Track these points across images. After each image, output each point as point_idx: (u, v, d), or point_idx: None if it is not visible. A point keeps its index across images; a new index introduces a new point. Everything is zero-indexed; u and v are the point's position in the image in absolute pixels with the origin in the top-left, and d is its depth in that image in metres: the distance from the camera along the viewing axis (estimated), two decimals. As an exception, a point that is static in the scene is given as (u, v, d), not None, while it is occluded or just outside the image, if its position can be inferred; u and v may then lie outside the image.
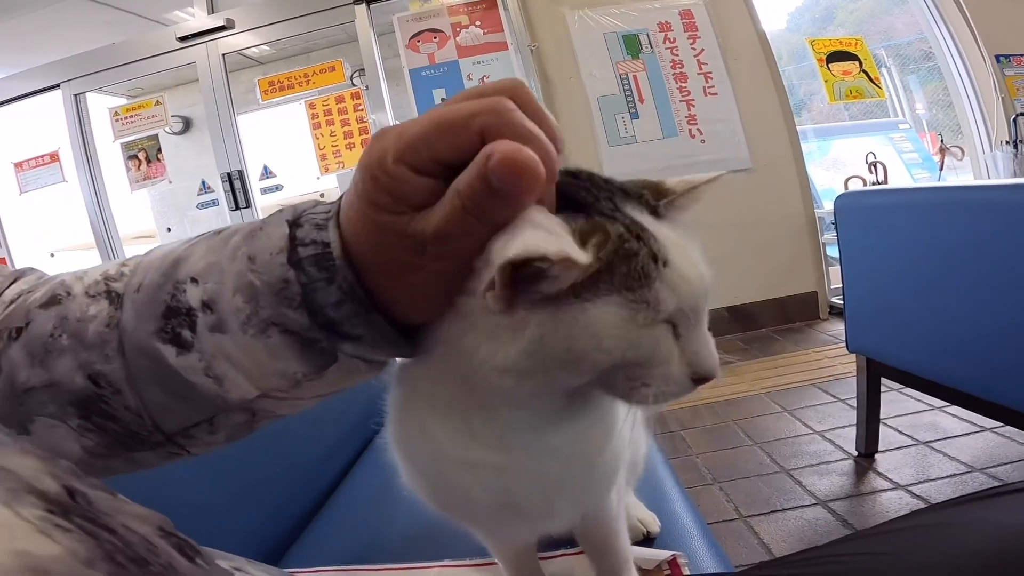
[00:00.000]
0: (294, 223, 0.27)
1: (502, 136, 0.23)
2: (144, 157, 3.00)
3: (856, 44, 2.89)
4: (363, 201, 0.25)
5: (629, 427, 0.36)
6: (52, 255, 3.83)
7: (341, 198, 0.27)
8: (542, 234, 0.23)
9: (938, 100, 3.98)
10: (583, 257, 0.23)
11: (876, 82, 2.86)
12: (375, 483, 0.80)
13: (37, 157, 3.14)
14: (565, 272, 0.23)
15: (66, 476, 0.23)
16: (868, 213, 1.34)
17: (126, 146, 3.01)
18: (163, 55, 3.00)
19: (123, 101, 3.24)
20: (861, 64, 2.86)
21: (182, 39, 2.95)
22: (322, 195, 4.53)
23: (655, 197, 0.30)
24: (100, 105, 3.15)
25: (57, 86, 3.06)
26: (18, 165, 3.15)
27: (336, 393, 0.31)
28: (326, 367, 0.28)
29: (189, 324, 0.27)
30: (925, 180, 3.50)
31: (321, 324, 0.26)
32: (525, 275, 0.23)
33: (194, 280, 0.27)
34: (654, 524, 0.60)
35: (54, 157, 3.12)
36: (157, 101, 2.98)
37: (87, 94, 3.10)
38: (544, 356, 0.25)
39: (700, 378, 0.28)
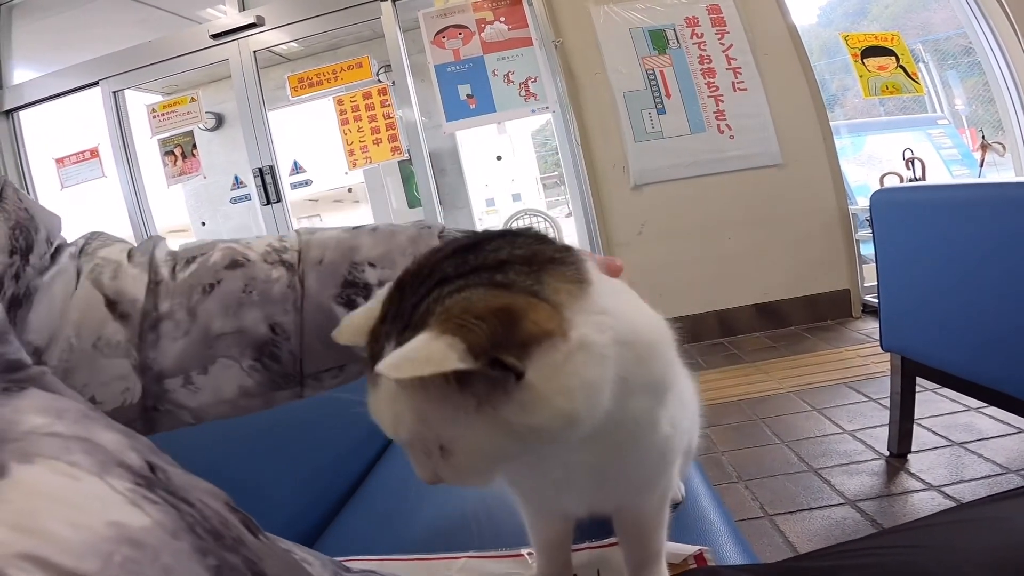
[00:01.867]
0: (441, 238, 0.38)
1: None
2: (180, 153, 3.08)
3: (892, 39, 2.80)
4: None
5: (685, 422, 0.37)
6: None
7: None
8: None
9: (978, 95, 3.86)
10: None
11: (914, 77, 2.78)
12: (404, 473, 0.81)
13: (78, 153, 3.24)
14: None
15: (146, 451, 0.25)
16: (905, 210, 1.30)
17: (163, 142, 3.09)
18: (197, 52, 3.07)
19: (159, 98, 3.33)
20: (898, 59, 2.78)
21: (215, 36, 3.02)
22: (349, 190, 4.60)
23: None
24: (137, 102, 3.24)
25: (96, 83, 3.15)
26: (59, 161, 3.25)
27: None
28: None
29: (364, 294, 0.37)
30: (965, 177, 3.39)
31: None
32: None
33: (371, 264, 0.38)
34: (677, 493, 0.60)
35: (94, 153, 3.21)
36: (192, 98, 3.05)
37: (125, 91, 3.20)
38: None
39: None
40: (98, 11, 3.41)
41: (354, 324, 0.30)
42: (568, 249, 0.29)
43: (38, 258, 0.35)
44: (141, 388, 0.36)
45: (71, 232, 0.43)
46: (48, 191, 3.30)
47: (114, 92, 3.15)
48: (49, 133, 3.39)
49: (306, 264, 0.38)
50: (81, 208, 3.38)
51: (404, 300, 0.28)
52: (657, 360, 0.30)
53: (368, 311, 0.30)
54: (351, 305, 0.37)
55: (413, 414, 0.26)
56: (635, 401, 0.29)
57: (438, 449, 0.27)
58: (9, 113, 3.30)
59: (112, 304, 0.36)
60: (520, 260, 0.27)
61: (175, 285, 0.37)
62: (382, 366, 0.23)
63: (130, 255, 0.39)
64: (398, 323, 0.27)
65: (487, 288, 0.25)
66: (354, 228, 0.40)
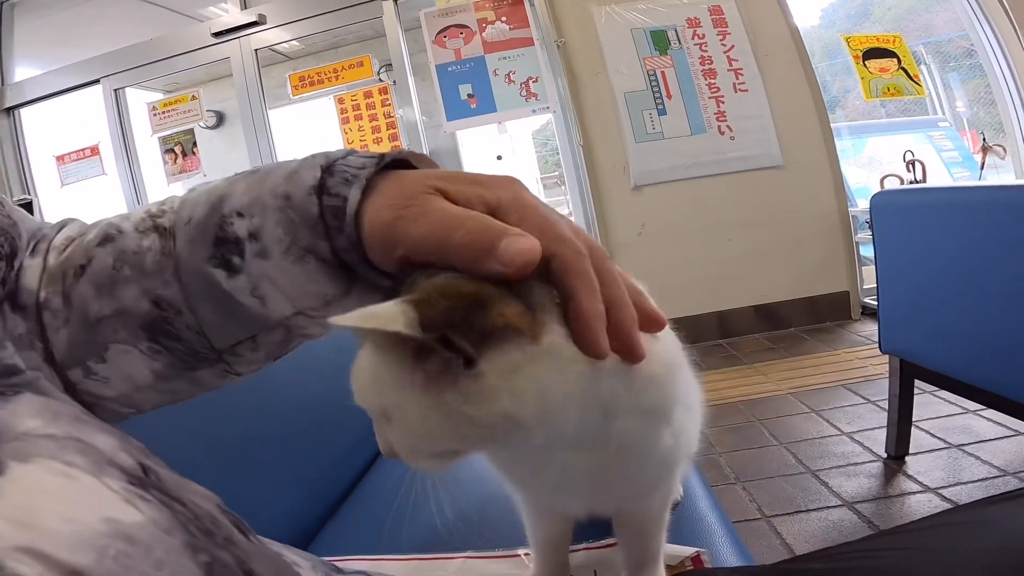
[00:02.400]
0: (327, 169, 0.30)
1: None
2: (180, 151, 3.08)
3: (894, 41, 2.80)
4: (396, 204, 0.28)
5: (690, 429, 0.37)
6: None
7: (382, 161, 0.30)
8: None
9: (980, 98, 3.86)
10: None
11: (916, 79, 2.78)
12: (400, 474, 0.81)
13: (78, 150, 3.24)
14: None
15: (138, 453, 0.25)
16: (905, 212, 1.30)
17: (163, 140, 3.09)
18: (198, 51, 3.08)
19: (160, 96, 3.33)
20: (900, 61, 2.78)
21: (216, 35, 3.02)
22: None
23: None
24: (138, 100, 3.24)
25: (97, 81, 3.16)
26: (60, 158, 3.25)
27: None
28: (351, 288, 0.32)
29: (238, 252, 0.31)
30: (965, 179, 3.39)
31: (339, 257, 0.30)
32: None
33: (240, 214, 0.31)
34: (676, 494, 0.61)
35: (95, 151, 3.21)
36: (193, 96, 3.06)
37: (126, 89, 3.20)
38: None
39: None
40: (100, 8, 3.41)
41: None
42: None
43: (20, 262, 0.35)
44: (61, 382, 0.34)
45: None
46: (48, 188, 3.30)
47: (115, 90, 3.15)
48: (50, 130, 3.39)
49: (177, 226, 0.33)
50: (80, 206, 3.39)
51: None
52: (656, 390, 0.30)
53: None
54: (227, 266, 0.31)
55: (371, 378, 0.27)
56: (625, 421, 0.29)
57: (385, 419, 0.28)
58: (10, 110, 3.31)
59: (12, 296, 0.34)
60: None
61: (52, 270, 0.34)
62: (337, 317, 0.24)
63: (35, 244, 0.37)
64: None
65: (469, 278, 0.25)
66: (238, 174, 0.34)
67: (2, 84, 3.32)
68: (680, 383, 0.33)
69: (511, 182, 0.29)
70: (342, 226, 0.29)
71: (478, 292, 0.24)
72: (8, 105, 3.28)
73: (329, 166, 0.30)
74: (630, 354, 0.26)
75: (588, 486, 0.33)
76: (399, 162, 0.32)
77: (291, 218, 0.30)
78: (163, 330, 0.32)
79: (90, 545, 0.19)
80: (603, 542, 0.52)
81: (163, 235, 0.33)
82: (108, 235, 0.34)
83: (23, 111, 3.34)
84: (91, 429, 0.24)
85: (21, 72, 3.39)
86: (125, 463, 0.23)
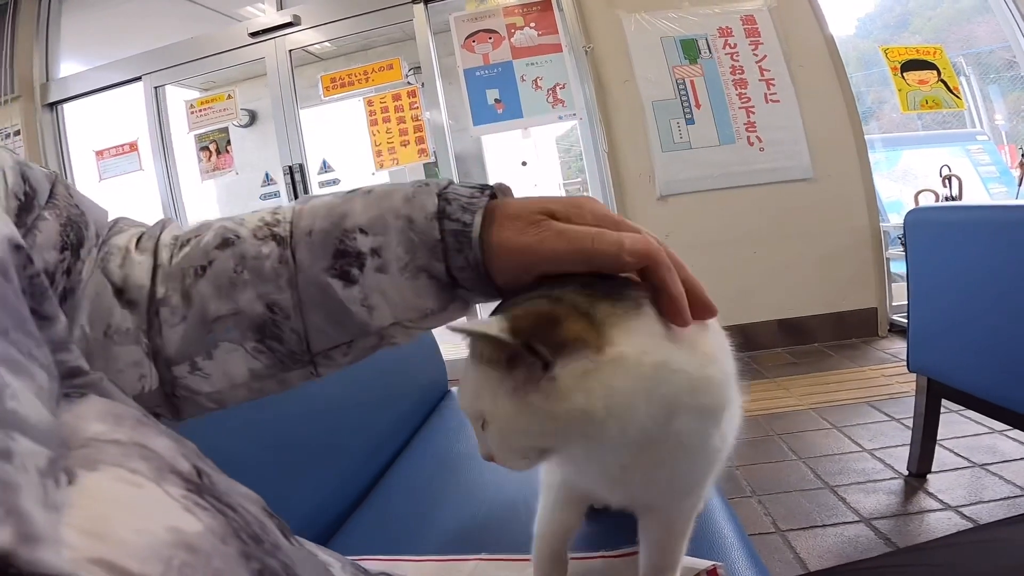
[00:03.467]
0: (441, 196, 0.35)
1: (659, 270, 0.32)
2: (215, 148, 3.15)
3: (935, 53, 2.74)
4: (517, 229, 0.34)
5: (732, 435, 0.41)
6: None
7: (489, 190, 0.35)
8: None
9: (1020, 111, 3.75)
10: None
11: (955, 92, 2.71)
12: (419, 476, 0.82)
13: (118, 146, 3.32)
14: None
15: (193, 456, 0.26)
16: (940, 230, 1.28)
17: (198, 138, 3.16)
18: (235, 50, 3.14)
19: (197, 94, 3.41)
20: (939, 73, 2.71)
21: (253, 34, 3.09)
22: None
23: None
24: (176, 97, 3.32)
25: (139, 78, 3.24)
26: (99, 153, 3.35)
27: (436, 327, 0.39)
28: (449, 305, 0.36)
29: (358, 264, 0.35)
30: (1002, 195, 3.30)
31: (451, 276, 0.35)
32: None
33: (363, 231, 0.35)
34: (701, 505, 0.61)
35: (133, 147, 3.29)
36: (229, 95, 3.12)
37: (166, 87, 3.28)
38: None
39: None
40: (146, 5, 3.50)
41: None
42: (627, 284, 0.34)
43: (87, 252, 0.36)
44: (157, 375, 0.36)
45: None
46: (87, 182, 3.40)
47: (155, 87, 3.24)
48: (91, 126, 3.49)
49: (296, 237, 0.36)
50: (117, 200, 3.48)
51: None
52: (713, 392, 0.33)
53: None
54: (345, 277, 0.34)
55: (472, 388, 0.33)
56: (683, 421, 0.33)
57: (481, 424, 0.33)
58: (53, 105, 3.41)
59: (119, 291, 0.36)
60: (584, 288, 0.33)
61: (170, 269, 0.36)
62: (452, 323, 0.33)
63: (139, 240, 0.39)
64: None
65: (548, 301, 0.32)
66: (348, 192, 0.38)
67: (47, 79, 3.42)
68: (732, 389, 0.37)
69: (592, 201, 0.35)
70: (462, 248, 0.34)
71: (551, 311, 0.30)
72: (52, 100, 3.39)
73: (441, 193, 0.35)
74: (709, 313, 0.33)
75: (641, 479, 0.37)
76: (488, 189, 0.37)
77: (412, 239, 0.34)
78: (271, 332, 0.35)
79: (157, 556, 0.19)
80: (620, 551, 0.53)
81: (280, 244, 0.36)
82: (227, 239, 0.36)
83: (66, 106, 3.44)
84: (152, 433, 0.25)
85: (66, 68, 3.49)
86: (183, 468, 0.24)
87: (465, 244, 0.34)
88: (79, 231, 0.36)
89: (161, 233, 0.39)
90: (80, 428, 0.23)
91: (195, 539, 0.21)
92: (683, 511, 0.44)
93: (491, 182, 0.37)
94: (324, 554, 0.35)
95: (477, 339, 0.32)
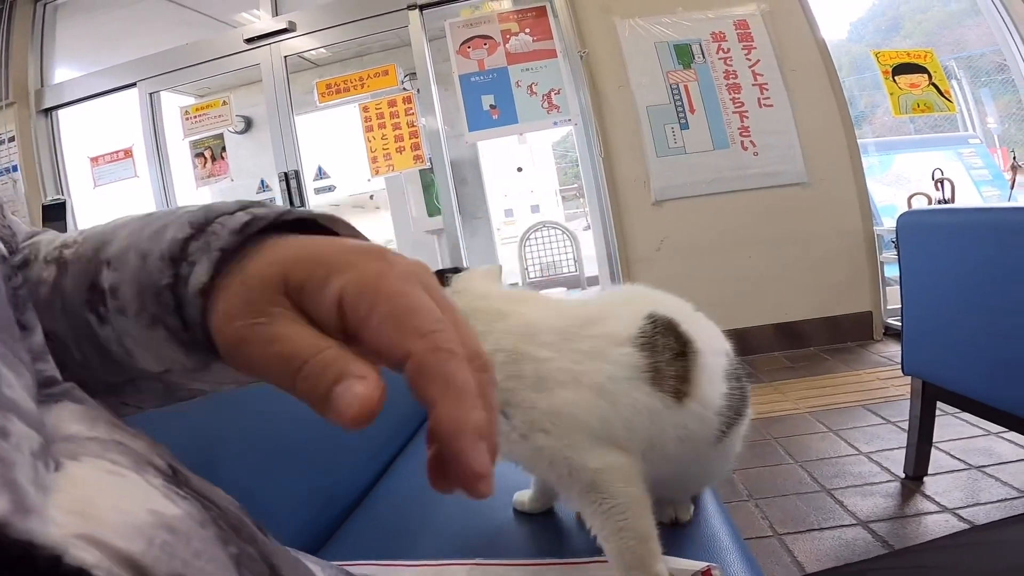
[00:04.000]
0: (199, 228, 0.26)
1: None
2: (210, 155, 3.14)
3: (926, 56, 2.76)
4: (244, 307, 0.24)
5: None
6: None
7: (245, 227, 0.26)
8: None
9: (1011, 114, 3.78)
10: None
11: (947, 96, 2.73)
12: (413, 482, 0.81)
13: (112, 152, 3.31)
14: None
15: (168, 457, 0.26)
16: (932, 232, 1.29)
17: (193, 144, 3.16)
18: (231, 56, 3.14)
19: (192, 100, 3.41)
20: (931, 77, 2.73)
21: (248, 41, 3.09)
22: (371, 196, 4.63)
23: None
24: (171, 104, 3.32)
25: (134, 84, 3.24)
26: (94, 159, 3.33)
27: (246, 384, 0.33)
28: (210, 364, 0.28)
29: (103, 302, 0.28)
30: (995, 198, 3.32)
31: (193, 332, 0.26)
32: None
33: (108, 263, 0.29)
34: (686, 512, 0.62)
35: (128, 153, 3.29)
36: (224, 101, 3.12)
37: (161, 93, 3.28)
38: None
39: None
40: (139, 12, 3.49)
41: None
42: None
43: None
44: None
45: None
46: (81, 189, 3.39)
47: (150, 93, 3.23)
48: (85, 132, 3.48)
49: (71, 262, 0.31)
50: (112, 207, 3.47)
51: None
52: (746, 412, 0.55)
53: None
54: (98, 314, 0.28)
55: None
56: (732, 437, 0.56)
57: None
58: (48, 111, 3.40)
59: None
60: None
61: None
62: None
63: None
64: None
65: None
66: (143, 216, 0.31)
67: (41, 85, 3.42)
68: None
69: (370, 257, 0.24)
70: (181, 303, 0.26)
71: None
72: (47, 106, 3.38)
73: (203, 225, 0.26)
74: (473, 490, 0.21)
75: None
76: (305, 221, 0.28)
77: (141, 281, 0.27)
78: (58, 360, 0.29)
79: (140, 534, 0.20)
80: (592, 559, 0.53)
81: (61, 268, 0.31)
82: (27, 259, 0.33)
83: (60, 112, 3.43)
84: (126, 434, 0.26)
85: (61, 74, 3.49)
86: (159, 464, 0.25)
87: (184, 297, 0.25)
88: (11, 248, 0.34)
89: (28, 241, 0.36)
90: (60, 427, 0.23)
91: (175, 521, 0.21)
92: (574, 496, 0.51)
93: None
94: (308, 561, 0.35)
95: None
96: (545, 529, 0.63)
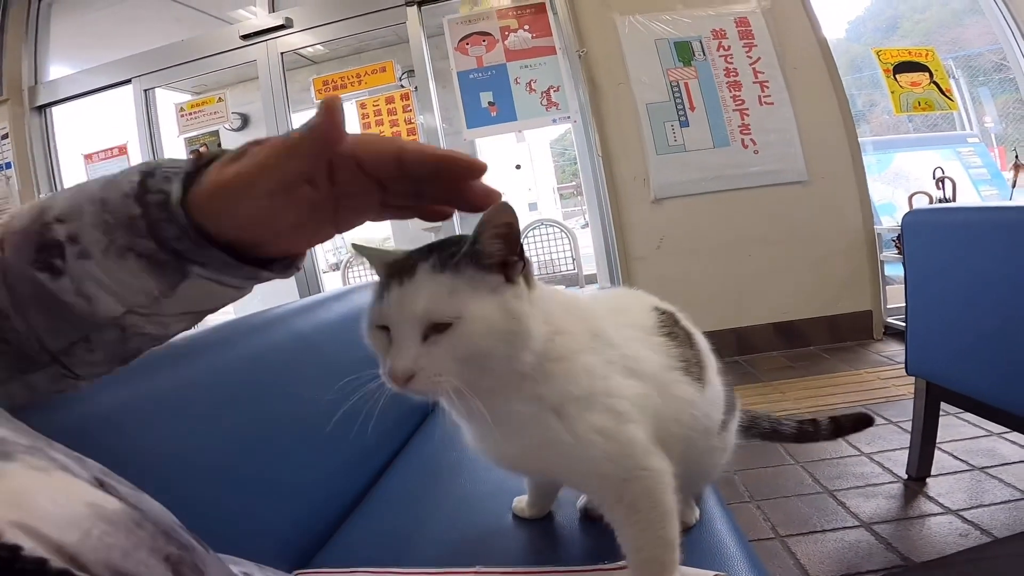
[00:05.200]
0: (148, 173, 0.34)
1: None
2: (205, 152, 3.12)
3: (927, 55, 2.76)
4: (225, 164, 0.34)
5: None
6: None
7: (202, 162, 0.35)
8: (378, 246, 0.46)
9: (1010, 113, 3.78)
10: (376, 255, 0.46)
11: (948, 94, 2.72)
12: (409, 486, 0.80)
13: (107, 149, 3.30)
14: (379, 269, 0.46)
15: (95, 471, 0.27)
16: (938, 232, 1.28)
17: (189, 141, 3.14)
18: (227, 53, 3.12)
19: (188, 97, 3.39)
20: (932, 75, 2.73)
21: (245, 37, 3.07)
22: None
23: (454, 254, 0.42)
24: (166, 100, 3.30)
25: (129, 81, 3.22)
26: (88, 157, 3.32)
27: (204, 314, 0.39)
28: (178, 284, 0.35)
29: (60, 254, 0.33)
30: (993, 197, 3.32)
31: (169, 250, 0.33)
32: None
33: (60, 220, 0.34)
34: (692, 515, 0.62)
35: (123, 150, 3.27)
36: (220, 98, 3.10)
37: (156, 89, 3.26)
38: None
39: (389, 374, 0.40)
40: (134, 8, 3.47)
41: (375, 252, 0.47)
42: None
43: None
44: None
45: None
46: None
47: (145, 90, 3.21)
48: (79, 129, 3.47)
49: (6, 235, 0.35)
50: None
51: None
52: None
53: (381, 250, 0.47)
54: (50, 269, 0.33)
55: (426, 291, 0.40)
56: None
57: (423, 333, 0.40)
58: (42, 108, 3.38)
59: None
60: None
61: None
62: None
63: None
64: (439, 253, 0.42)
65: None
66: (76, 185, 0.37)
67: (36, 82, 3.40)
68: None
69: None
70: (171, 217, 0.33)
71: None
72: (41, 103, 3.36)
73: (151, 170, 0.34)
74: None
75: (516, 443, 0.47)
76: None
77: (107, 220, 0.33)
78: None
79: (76, 525, 0.21)
80: (617, 564, 0.51)
81: None
82: None
83: (54, 109, 3.41)
84: (50, 447, 0.27)
85: (56, 71, 3.47)
86: (82, 475, 0.26)
87: (170, 213, 0.33)
88: None
89: None
90: None
91: (113, 515, 0.23)
92: (619, 503, 0.46)
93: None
94: (255, 570, 0.37)
95: (478, 240, 0.40)
96: (545, 534, 0.62)
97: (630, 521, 0.47)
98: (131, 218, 0.33)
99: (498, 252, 0.41)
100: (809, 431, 0.80)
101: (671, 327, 0.54)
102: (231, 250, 0.34)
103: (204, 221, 0.33)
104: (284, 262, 0.38)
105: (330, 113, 0.32)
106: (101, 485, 0.26)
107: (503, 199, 0.38)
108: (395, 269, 0.42)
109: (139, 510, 0.25)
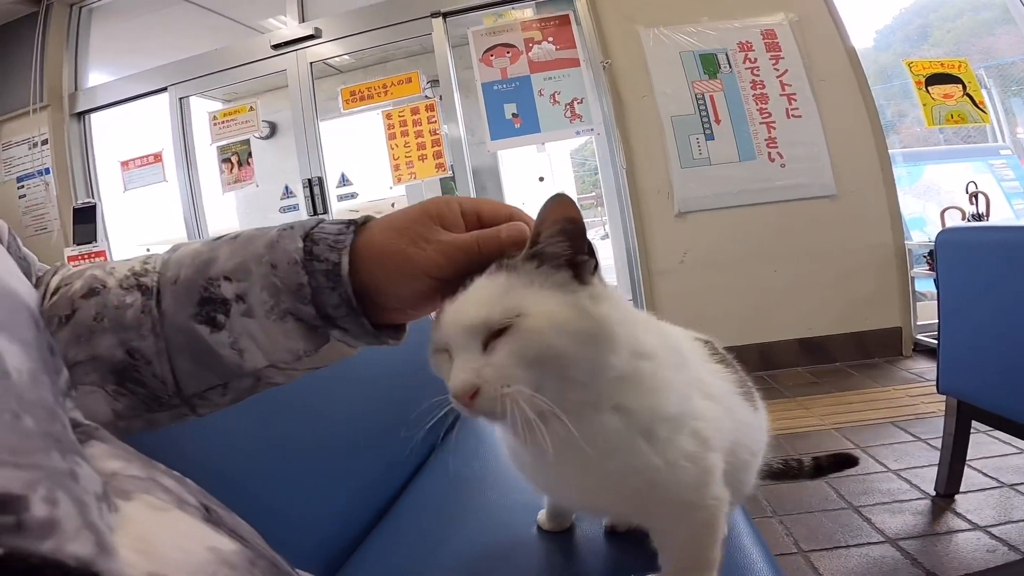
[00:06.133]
0: (307, 238, 0.37)
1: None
2: (236, 160, 3.19)
3: (960, 66, 2.70)
4: (404, 237, 0.36)
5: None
6: (148, 249, 4.09)
7: (354, 225, 0.37)
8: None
9: (1043, 125, 3.69)
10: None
11: (981, 107, 2.66)
12: (434, 499, 0.80)
13: (143, 157, 3.37)
14: None
15: (198, 495, 0.28)
16: (972, 250, 1.26)
17: (220, 149, 3.20)
18: (258, 62, 3.19)
19: (219, 105, 3.46)
20: (965, 87, 2.67)
21: (275, 47, 3.14)
22: (392, 204, 4.66)
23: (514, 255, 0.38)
24: (199, 109, 3.37)
25: (165, 89, 3.30)
26: (124, 164, 3.40)
27: (321, 368, 0.41)
28: (322, 346, 0.38)
29: (224, 310, 0.36)
30: (1027, 212, 3.24)
31: (322, 315, 0.36)
32: None
33: (227, 278, 0.36)
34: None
35: (158, 158, 3.34)
36: (251, 107, 3.16)
37: (190, 98, 3.34)
38: None
39: (453, 395, 0.36)
40: (171, 16, 3.54)
41: None
42: None
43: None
44: None
45: (129, 235, 0.44)
46: (111, 193, 3.45)
47: (180, 98, 3.29)
48: (116, 136, 3.54)
49: (163, 285, 0.37)
50: (141, 211, 3.52)
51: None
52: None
53: None
54: (212, 323, 0.36)
55: (485, 294, 0.36)
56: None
57: (484, 343, 0.36)
58: (81, 115, 3.48)
59: None
60: None
61: (45, 314, 0.37)
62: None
63: (37, 284, 0.40)
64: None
65: None
66: (216, 239, 0.39)
67: (75, 89, 3.49)
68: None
69: (448, 197, 0.39)
70: (336, 286, 0.35)
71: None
72: (80, 110, 3.46)
73: (307, 235, 0.37)
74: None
75: (584, 477, 0.44)
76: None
77: (275, 284, 0.35)
78: (132, 376, 0.36)
79: (203, 571, 0.21)
80: None
81: (145, 293, 0.37)
82: (93, 288, 0.38)
83: (93, 116, 3.50)
84: (159, 472, 0.27)
85: (94, 78, 3.56)
86: (191, 502, 0.26)
87: (337, 282, 0.35)
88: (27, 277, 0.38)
89: (52, 278, 0.41)
90: (99, 466, 0.24)
91: (231, 557, 0.23)
92: (678, 529, 0.44)
93: (429, 197, 0.41)
94: None
95: (537, 241, 0.36)
96: (569, 548, 0.62)
97: (681, 544, 0.46)
98: (299, 285, 0.35)
99: (564, 252, 0.37)
100: (793, 468, 0.78)
101: (719, 354, 0.54)
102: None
103: (360, 290, 0.36)
104: (395, 328, 0.41)
105: (519, 243, 0.37)
106: (208, 512, 0.26)
107: (560, 191, 0.36)
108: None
109: (249, 546, 0.26)
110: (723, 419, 0.45)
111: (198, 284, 0.36)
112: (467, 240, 0.36)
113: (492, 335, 0.35)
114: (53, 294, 0.38)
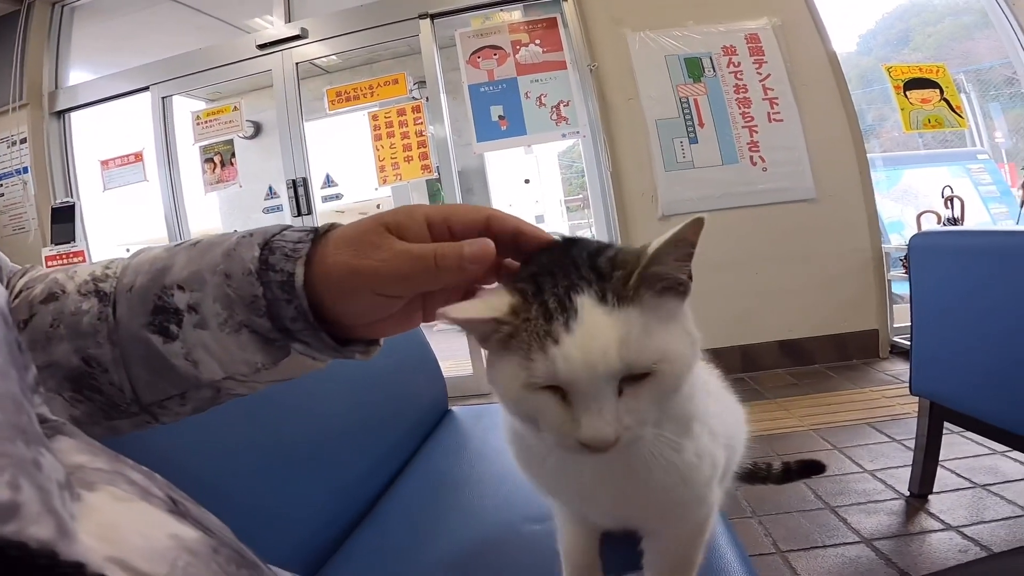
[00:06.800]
0: (265, 247, 0.35)
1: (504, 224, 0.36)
2: (219, 160, 3.15)
3: (938, 71, 2.75)
4: (350, 248, 0.34)
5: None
6: (127, 250, 4.04)
7: (314, 233, 0.35)
8: (478, 304, 0.34)
9: (1020, 129, 3.77)
10: (487, 314, 0.33)
11: (958, 111, 2.72)
12: (418, 499, 0.80)
13: (123, 156, 3.32)
14: (489, 328, 0.34)
15: (166, 488, 0.28)
16: (944, 254, 1.29)
17: (203, 149, 3.16)
18: (243, 62, 3.16)
19: (203, 105, 3.42)
20: (942, 92, 2.72)
21: (261, 47, 3.10)
22: (378, 206, 4.65)
23: (626, 278, 0.34)
24: (182, 108, 3.32)
25: (147, 88, 3.25)
26: (104, 163, 3.35)
27: (287, 380, 0.39)
28: (280, 360, 0.36)
29: (176, 321, 0.35)
30: (1003, 216, 3.30)
31: (279, 328, 0.34)
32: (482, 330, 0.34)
33: (180, 287, 0.35)
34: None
35: (138, 157, 3.29)
36: (235, 107, 3.13)
37: (173, 97, 3.29)
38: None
39: (583, 443, 0.32)
40: (155, 15, 3.50)
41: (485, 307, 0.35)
42: None
43: None
44: None
45: (107, 235, 0.43)
46: (91, 192, 3.40)
47: (163, 97, 3.25)
48: (97, 135, 3.49)
49: (119, 292, 0.36)
50: (120, 210, 3.47)
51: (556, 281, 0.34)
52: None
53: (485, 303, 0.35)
54: (164, 333, 0.34)
55: (616, 333, 0.32)
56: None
57: (618, 388, 0.32)
58: (61, 114, 3.42)
59: None
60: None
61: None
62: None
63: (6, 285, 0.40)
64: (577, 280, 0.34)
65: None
66: (177, 244, 0.38)
67: (55, 87, 3.44)
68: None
69: (418, 205, 0.37)
70: (291, 298, 0.33)
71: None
72: (59, 108, 3.40)
73: (266, 243, 0.35)
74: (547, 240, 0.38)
75: (618, 491, 0.43)
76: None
77: (228, 295, 0.34)
78: (88, 384, 0.36)
79: (163, 557, 0.22)
80: None
81: (103, 300, 0.36)
82: (53, 293, 0.37)
83: (73, 115, 3.44)
84: (126, 466, 0.27)
85: (75, 76, 3.50)
86: (157, 494, 0.27)
87: (292, 294, 0.33)
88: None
89: (19, 279, 0.40)
90: (65, 459, 0.25)
91: (193, 544, 0.24)
92: (677, 530, 0.45)
93: (427, 198, 0.39)
94: None
95: (649, 267, 0.33)
96: (549, 549, 0.62)
97: (675, 545, 0.46)
98: (253, 297, 0.34)
99: (683, 277, 0.35)
100: (762, 471, 0.79)
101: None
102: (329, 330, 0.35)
103: (318, 302, 0.34)
104: (365, 343, 0.38)
105: (481, 261, 0.33)
106: (174, 504, 0.27)
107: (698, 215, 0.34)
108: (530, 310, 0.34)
109: (213, 535, 0.26)
110: (723, 415, 0.47)
111: (152, 292, 0.35)
112: (422, 251, 0.33)
113: (627, 378, 0.33)
114: (16, 297, 0.38)
